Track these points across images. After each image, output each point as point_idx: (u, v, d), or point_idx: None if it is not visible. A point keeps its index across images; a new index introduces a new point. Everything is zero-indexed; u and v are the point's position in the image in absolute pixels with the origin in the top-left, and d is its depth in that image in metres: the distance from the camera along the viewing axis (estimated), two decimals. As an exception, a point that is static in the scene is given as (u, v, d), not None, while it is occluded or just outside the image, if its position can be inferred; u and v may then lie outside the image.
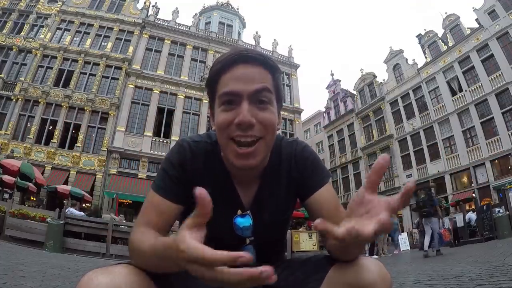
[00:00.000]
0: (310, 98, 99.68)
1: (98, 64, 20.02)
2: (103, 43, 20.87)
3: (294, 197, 0.88)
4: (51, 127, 18.36)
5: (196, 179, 0.79)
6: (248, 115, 0.69)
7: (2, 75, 18.58)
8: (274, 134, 0.77)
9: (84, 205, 15.08)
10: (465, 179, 19.59)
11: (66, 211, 8.39)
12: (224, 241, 0.80)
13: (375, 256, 11.92)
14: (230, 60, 0.72)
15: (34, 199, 16.44)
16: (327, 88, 34.04)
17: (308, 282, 0.75)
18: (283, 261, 0.92)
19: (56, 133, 17.92)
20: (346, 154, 29.43)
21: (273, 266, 0.84)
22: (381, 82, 27.24)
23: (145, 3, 23.19)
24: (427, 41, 23.67)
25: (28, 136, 17.43)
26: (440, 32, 23.20)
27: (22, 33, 20.09)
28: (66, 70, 19.55)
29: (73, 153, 17.66)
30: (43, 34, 20.15)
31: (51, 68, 19.48)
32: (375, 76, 28.13)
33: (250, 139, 0.71)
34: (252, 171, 0.79)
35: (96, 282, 0.61)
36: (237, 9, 27.53)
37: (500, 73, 18.43)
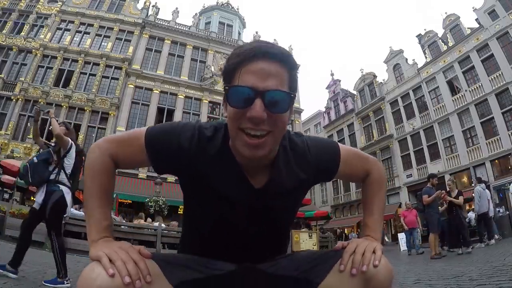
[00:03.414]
0: (310, 98, 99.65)
1: (98, 64, 20.02)
2: (103, 43, 20.86)
3: (305, 190, 0.92)
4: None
5: (203, 165, 0.80)
6: (260, 111, 0.70)
7: (2, 75, 18.58)
8: (284, 129, 0.80)
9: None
10: (465, 179, 19.59)
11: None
12: (233, 224, 0.84)
13: None
14: (249, 54, 0.72)
15: (34, 199, 16.45)
16: (327, 88, 34.02)
17: (317, 270, 0.78)
18: (290, 254, 0.94)
19: (56, 133, 17.93)
20: (346, 154, 29.40)
21: (277, 257, 0.88)
22: (381, 82, 27.23)
23: (145, 3, 23.19)
24: (427, 41, 23.66)
25: (28, 136, 17.40)
26: (440, 32, 23.19)
27: (22, 33, 20.08)
28: (66, 70, 19.55)
29: (73, 153, 17.67)
30: (43, 34, 20.14)
31: (51, 68, 19.48)
32: (375, 76, 28.12)
33: (259, 132, 0.72)
34: (260, 161, 0.80)
35: (97, 272, 0.63)
36: (237, 9, 27.53)
37: (500, 73, 18.42)
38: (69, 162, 3.16)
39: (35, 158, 3.21)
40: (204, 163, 0.80)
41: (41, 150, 3.30)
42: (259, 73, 0.71)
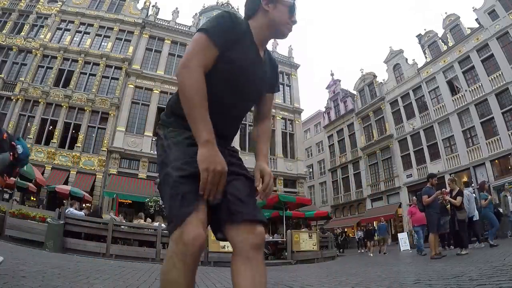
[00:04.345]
0: (310, 98, 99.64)
1: (98, 64, 20.01)
2: (103, 43, 20.86)
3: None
4: (51, 127, 18.35)
5: (239, 37, 1.15)
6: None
7: (2, 75, 18.58)
8: None
9: (84, 205, 15.09)
10: (465, 179, 19.59)
11: (66, 211, 8.39)
12: (240, 90, 1.17)
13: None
14: None
15: (34, 199, 16.42)
16: (327, 88, 34.06)
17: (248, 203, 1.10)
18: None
19: (56, 133, 17.92)
20: (346, 154, 29.43)
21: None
22: (381, 82, 27.25)
23: (145, 3, 23.19)
24: (427, 41, 23.68)
25: (28, 136, 17.40)
26: (440, 32, 23.21)
27: (22, 33, 20.08)
28: (66, 70, 19.54)
29: (73, 153, 17.66)
30: (43, 34, 20.14)
31: (51, 68, 19.47)
32: (375, 76, 28.15)
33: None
34: (268, 42, 1.30)
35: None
36: (237, 9, 27.52)
37: (500, 73, 18.44)
38: None
39: None
40: (239, 36, 1.15)
41: None
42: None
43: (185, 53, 1.09)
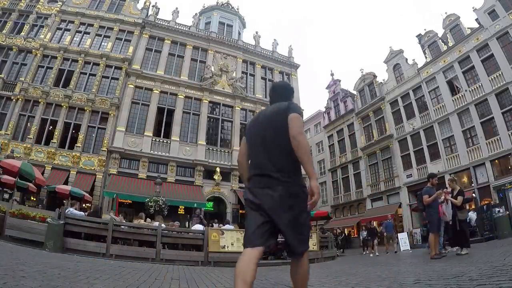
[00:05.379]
0: (310, 98, 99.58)
1: (98, 64, 20.01)
2: (103, 43, 20.85)
3: None
4: (51, 127, 18.34)
5: None
6: None
7: (2, 75, 18.57)
8: None
9: (84, 205, 15.07)
10: (465, 179, 19.59)
11: (66, 211, 8.39)
12: None
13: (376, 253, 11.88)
14: None
15: (34, 199, 16.42)
16: (327, 88, 34.05)
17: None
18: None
19: (56, 133, 17.91)
20: (346, 154, 29.42)
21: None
22: (381, 82, 27.24)
23: (145, 3, 23.20)
24: (427, 41, 23.66)
25: (28, 136, 17.41)
26: (440, 32, 23.19)
27: (22, 33, 20.08)
28: (66, 70, 19.53)
29: (73, 153, 17.66)
30: (43, 34, 20.14)
31: (51, 68, 19.46)
32: (375, 76, 28.13)
33: None
34: None
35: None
36: (237, 9, 27.54)
37: (500, 73, 18.42)
38: None
39: None
40: None
41: None
42: None
43: (296, 124, 1.80)
